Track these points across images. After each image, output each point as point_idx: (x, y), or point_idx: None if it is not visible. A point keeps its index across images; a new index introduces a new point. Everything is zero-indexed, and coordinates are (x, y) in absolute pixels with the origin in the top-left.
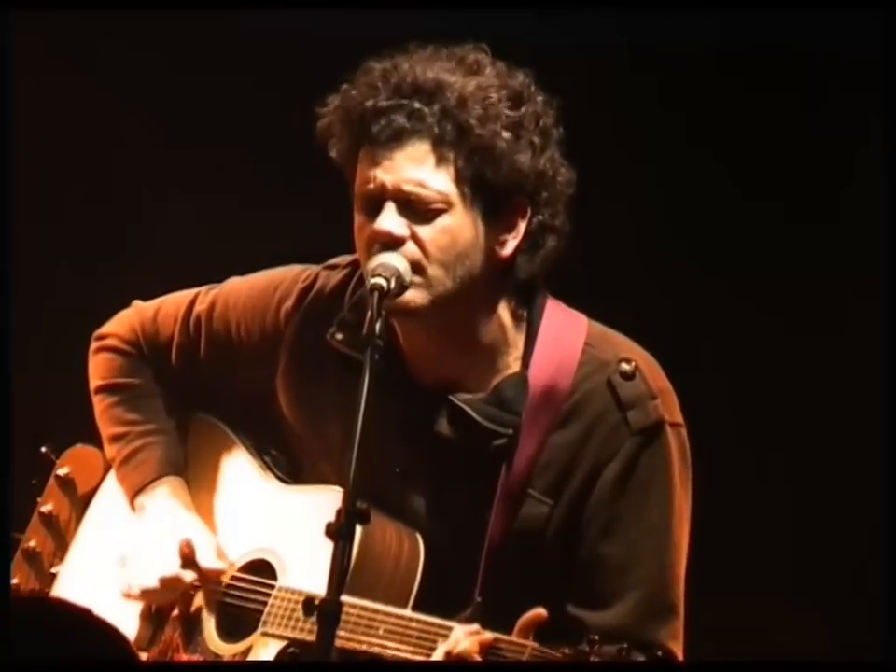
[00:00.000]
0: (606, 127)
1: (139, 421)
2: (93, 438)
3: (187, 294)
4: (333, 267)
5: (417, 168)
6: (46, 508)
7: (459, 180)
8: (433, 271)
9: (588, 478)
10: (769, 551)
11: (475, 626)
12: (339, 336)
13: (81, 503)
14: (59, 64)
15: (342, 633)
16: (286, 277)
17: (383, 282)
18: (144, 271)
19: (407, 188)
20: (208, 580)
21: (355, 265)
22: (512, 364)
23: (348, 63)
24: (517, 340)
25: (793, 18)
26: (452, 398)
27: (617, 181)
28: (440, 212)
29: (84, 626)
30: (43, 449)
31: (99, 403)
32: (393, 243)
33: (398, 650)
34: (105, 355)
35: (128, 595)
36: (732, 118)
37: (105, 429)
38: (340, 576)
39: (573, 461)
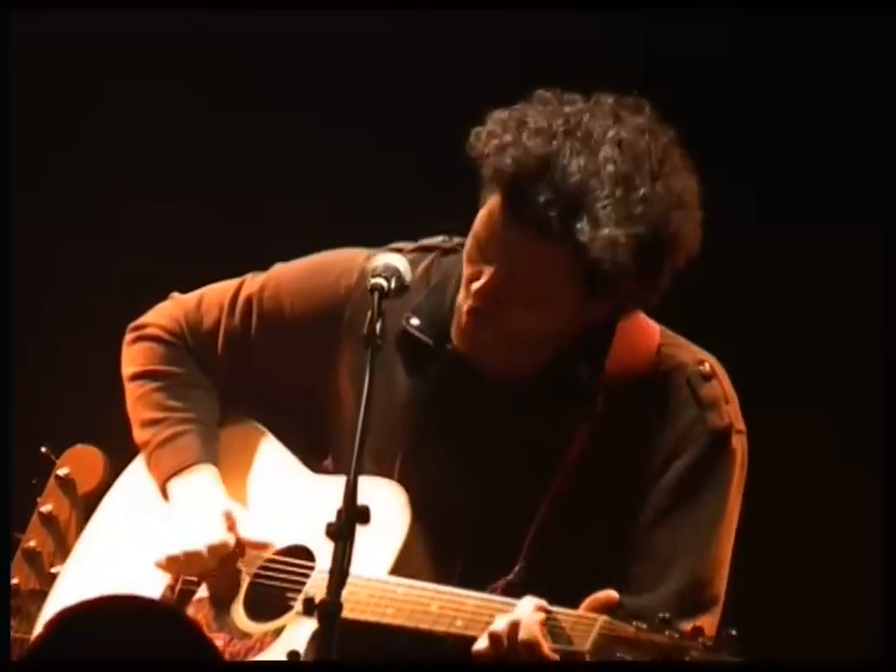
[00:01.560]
0: None
1: (180, 408)
2: (93, 438)
3: (230, 282)
4: (398, 251)
5: (549, 273)
6: (46, 508)
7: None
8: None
9: (659, 467)
10: (769, 551)
11: (542, 602)
12: (414, 321)
13: (81, 503)
14: (59, 64)
15: (389, 611)
16: (343, 256)
17: (383, 282)
18: (144, 270)
19: (526, 281)
20: (250, 551)
21: (422, 250)
22: (587, 360)
23: (346, 65)
24: (592, 337)
25: (793, 22)
26: (523, 390)
27: None
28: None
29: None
30: (43, 449)
31: (137, 388)
32: (484, 308)
33: (450, 625)
34: (145, 344)
35: (169, 562)
36: (731, 117)
37: (141, 414)
38: (340, 576)
39: (645, 450)
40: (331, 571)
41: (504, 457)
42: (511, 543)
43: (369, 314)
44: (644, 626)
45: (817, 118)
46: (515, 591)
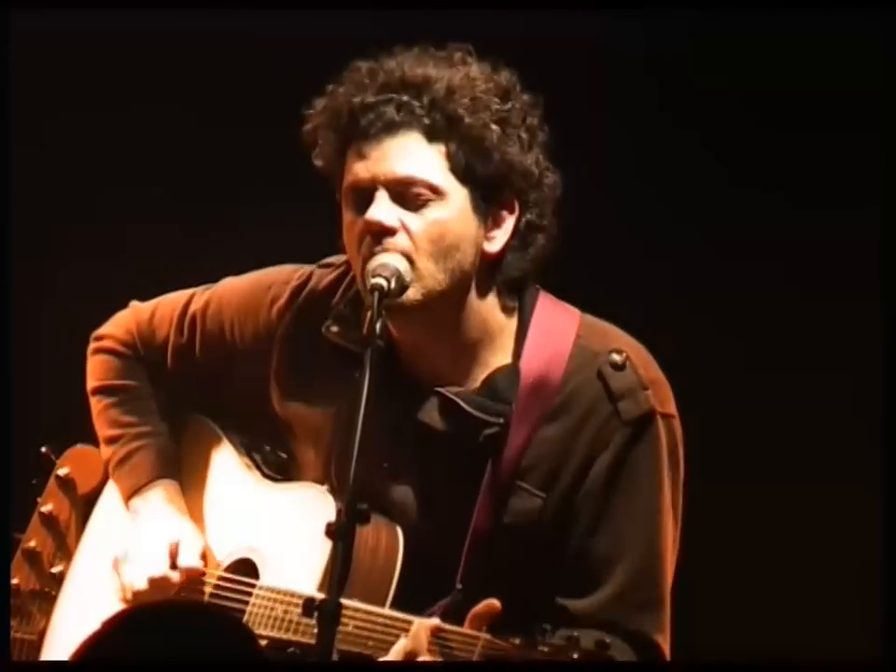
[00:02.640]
0: (598, 125)
1: (134, 423)
2: (93, 438)
3: (182, 294)
4: (327, 266)
5: (408, 158)
6: (46, 508)
7: (450, 171)
8: (423, 263)
9: (580, 470)
10: (769, 551)
11: (435, 621)
12: (334, 329)
13: (81, 503)
14: (59, 64)
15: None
16: (279, 276)
17: (383, 282)
18: (143, 271)
19: (398, 177)
20: (188, 579)
21: (350, 265)
22: (502, 357)
23: (335, 66)
24: (508, 333)
25: (793, 22)
26: (442, 390)
27: (612, 180)
28: (430, 202)
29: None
30: (43, 449)
31: (96, 405)
32: (384, 233)
33: (364, 646)
34: (101, 356)
35: (123, 599)
36: (731, 117)
37: (102, 431)
38: (340, 576)
39: (565, 454)
40: (331, 571)
41: (431, 462)
42: (451, 562)
43: (368, 314)
44: (519, 643)
45: (817, 118)
46: (459, 610)
